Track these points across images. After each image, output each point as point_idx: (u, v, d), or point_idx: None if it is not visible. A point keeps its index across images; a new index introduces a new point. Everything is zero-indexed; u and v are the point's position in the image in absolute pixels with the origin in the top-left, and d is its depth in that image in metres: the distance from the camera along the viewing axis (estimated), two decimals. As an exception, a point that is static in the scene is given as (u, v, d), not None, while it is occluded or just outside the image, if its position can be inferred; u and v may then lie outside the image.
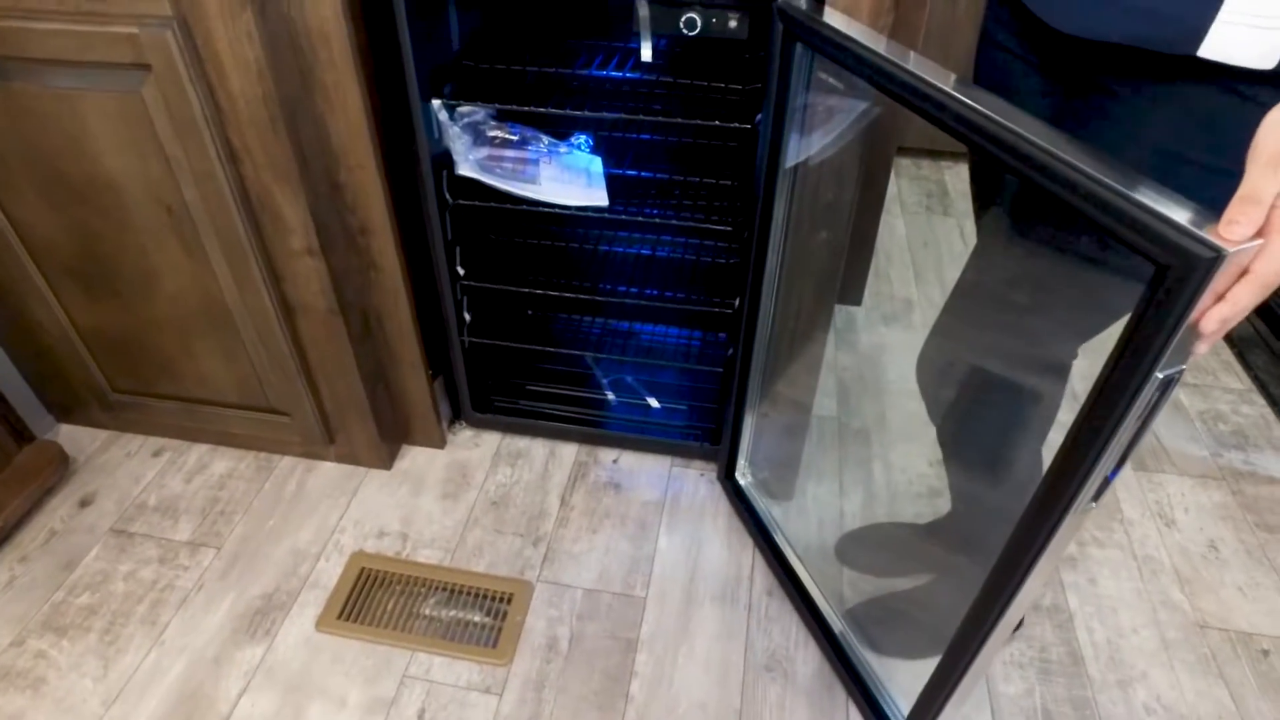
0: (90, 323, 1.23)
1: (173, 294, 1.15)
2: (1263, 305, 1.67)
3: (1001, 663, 1.08)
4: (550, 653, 1.07)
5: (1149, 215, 0.46)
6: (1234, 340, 1.61)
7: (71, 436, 1.39)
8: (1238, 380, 1.54)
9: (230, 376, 1.24)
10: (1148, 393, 0.51)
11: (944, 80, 0.61)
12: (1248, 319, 1.66)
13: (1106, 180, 0.49)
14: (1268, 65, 0.56)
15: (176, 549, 1.21)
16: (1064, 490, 0.60)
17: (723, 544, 1.22)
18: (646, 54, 0.93)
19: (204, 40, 0.89)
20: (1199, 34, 0.56)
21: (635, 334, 1.50)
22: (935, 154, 2.30)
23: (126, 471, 1.33)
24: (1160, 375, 0.50)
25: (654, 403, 1.39)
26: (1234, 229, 0.44)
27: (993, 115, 0.56)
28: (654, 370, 1.46)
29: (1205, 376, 1.55)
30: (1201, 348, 0.50)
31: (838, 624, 1.08)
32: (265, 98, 0.92)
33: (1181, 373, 0.51)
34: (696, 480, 1.32)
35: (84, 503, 1.28)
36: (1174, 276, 0.46)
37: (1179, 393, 1.52)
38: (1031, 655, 1.09)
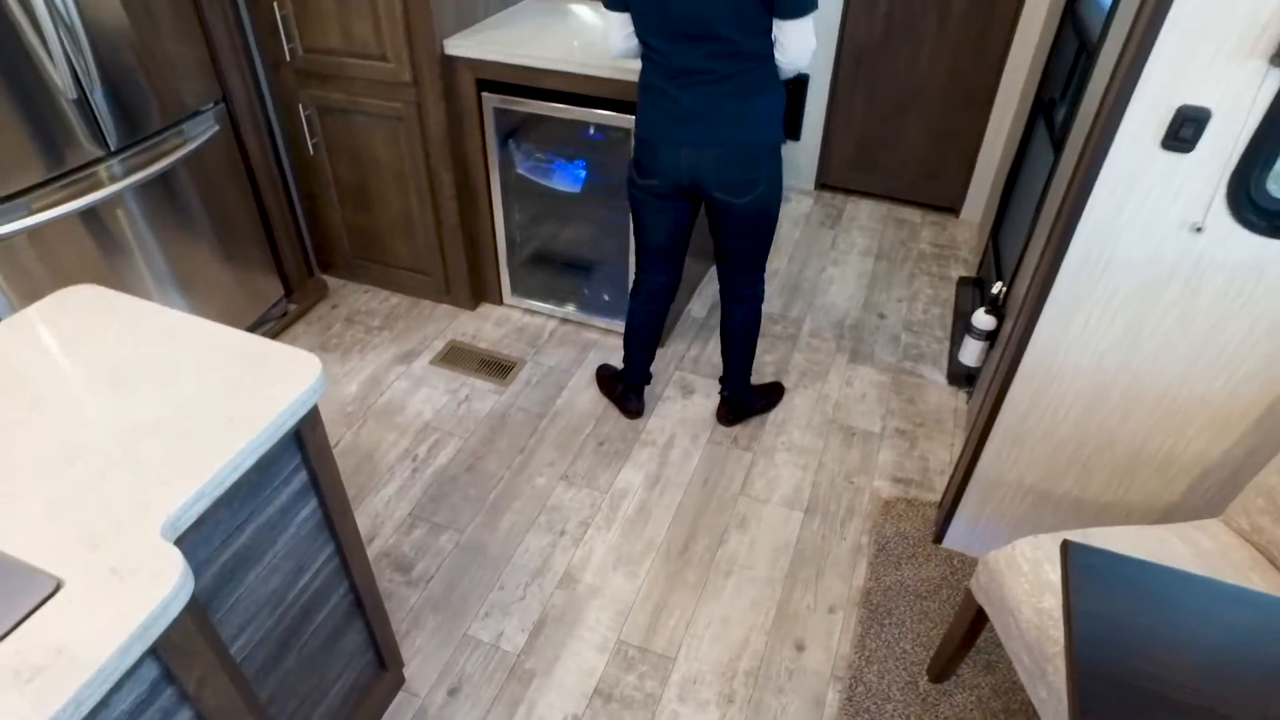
0: (351, 221, 2.85)
1: (393, 212, 2.74)
2: (979, 301, 2.92)
3: (721, 427, 2.46)
4: (526, 384, 2.56)
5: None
6: (958, 313, 2.88)
7: (327, 279, 3.02)
8: (941, 332, 2.83)
9: (409, 253, 2.83)
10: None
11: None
12: (974, 305, 2.91)
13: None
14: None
15: (372, 329, 2.79)
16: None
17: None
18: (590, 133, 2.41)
19: (424, 110, 2.46)
20: None
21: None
22: (846, 190, 3.64)
23: (352, 297, 2.95)
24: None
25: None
26: None
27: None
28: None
29: (926, 329, 2.84)
30: None
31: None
32: (443, 136, 2.48)
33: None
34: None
35: (334, 306, 2.90)
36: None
37: (900, 328, 2.82)
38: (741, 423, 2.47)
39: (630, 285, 2.33)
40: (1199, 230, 1.46)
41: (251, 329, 2.68)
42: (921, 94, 3.27)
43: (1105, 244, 1.52)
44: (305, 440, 1.27)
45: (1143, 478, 1.77)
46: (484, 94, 2.44)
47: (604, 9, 1.91)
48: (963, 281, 3.07)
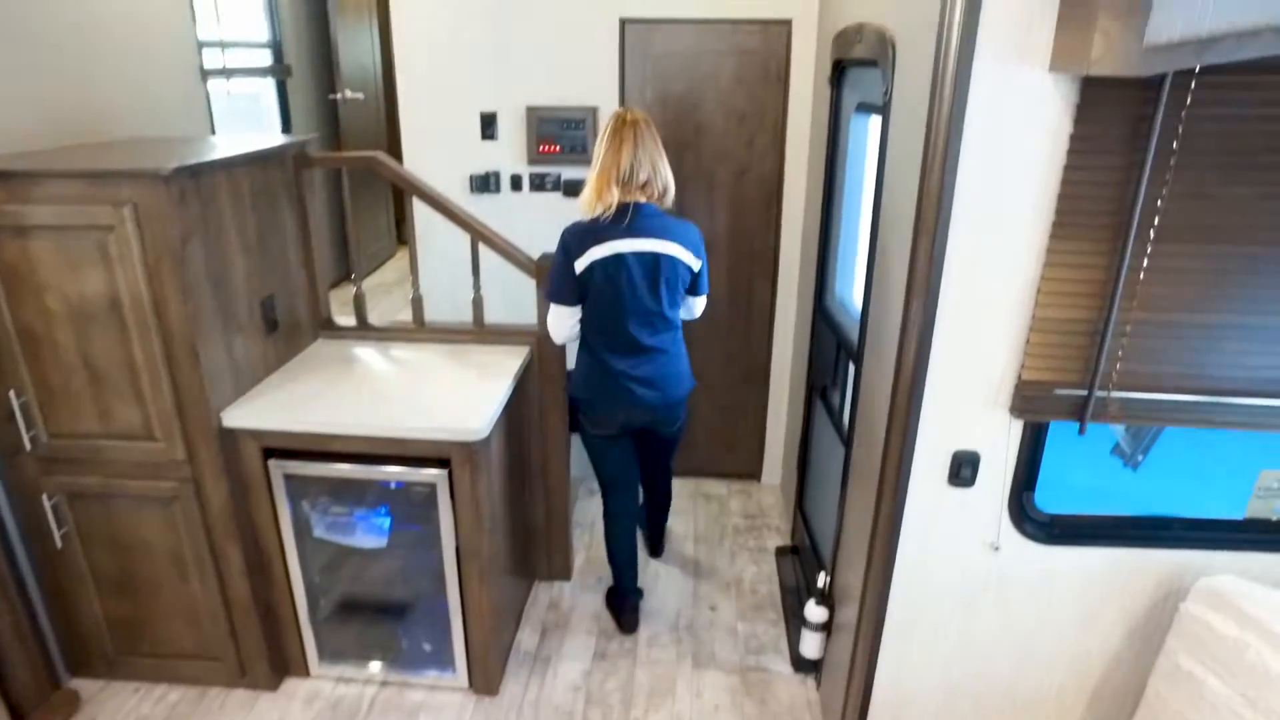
0: (113, 613, 2.46)
1: (169, 597, 2.41)
2: (800, 573, 3.03)
3: (585, 772, 2.26)
4: (348, 779, 2.22)
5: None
6: (784, 588, 2.96)
7: (81, 684, 2.54)
8: (775, 613, 2.87)
9: (191, 638, 2.47)
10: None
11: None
12: (798, 577, 3.01)
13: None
14: None
15: (147, 742, 2.34)
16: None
17: None
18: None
19: (202, 487, 2.25)
20: None
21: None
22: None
23: (116, 702, 2.48)
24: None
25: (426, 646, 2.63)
26: None
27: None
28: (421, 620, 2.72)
29: (759, 613, 2.87)
30: None
31: None
32: (227, 510, 2.27)
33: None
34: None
35: (92, 721, 2.41)
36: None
37: (734, 618, 2.83)
38: (602, 767, 2.28)
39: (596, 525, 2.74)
40: (996, 549, 1.61)
41: (-23, 783, 2.15)
42: (704, 376, 3.54)
43: (922, 572, 1.63)
44: None
45: (1007, 775, 1.81)
46: (271, 461, 2.29)
47: (553, 304, 2.40)
48: (780, 552, 3.19)
